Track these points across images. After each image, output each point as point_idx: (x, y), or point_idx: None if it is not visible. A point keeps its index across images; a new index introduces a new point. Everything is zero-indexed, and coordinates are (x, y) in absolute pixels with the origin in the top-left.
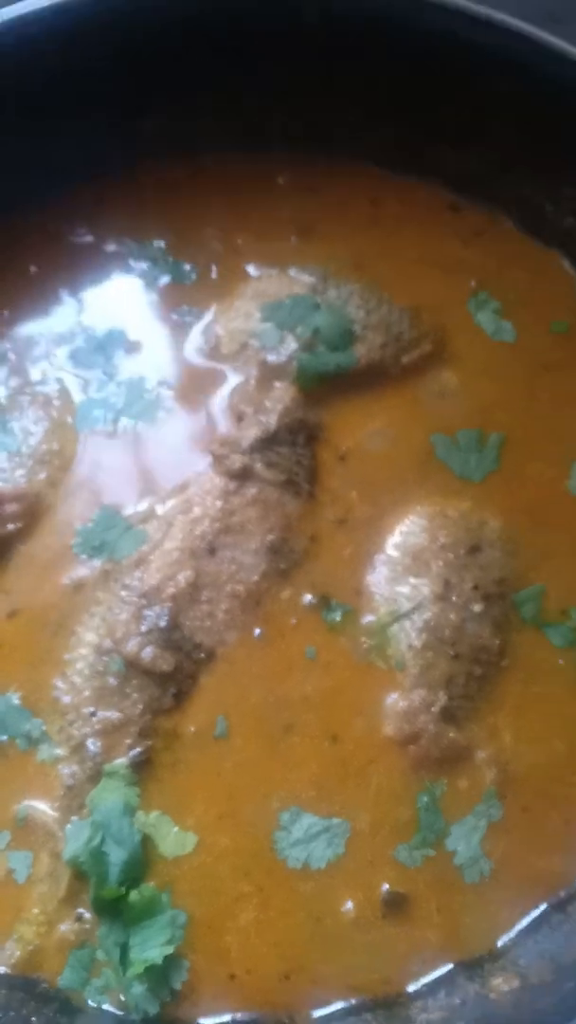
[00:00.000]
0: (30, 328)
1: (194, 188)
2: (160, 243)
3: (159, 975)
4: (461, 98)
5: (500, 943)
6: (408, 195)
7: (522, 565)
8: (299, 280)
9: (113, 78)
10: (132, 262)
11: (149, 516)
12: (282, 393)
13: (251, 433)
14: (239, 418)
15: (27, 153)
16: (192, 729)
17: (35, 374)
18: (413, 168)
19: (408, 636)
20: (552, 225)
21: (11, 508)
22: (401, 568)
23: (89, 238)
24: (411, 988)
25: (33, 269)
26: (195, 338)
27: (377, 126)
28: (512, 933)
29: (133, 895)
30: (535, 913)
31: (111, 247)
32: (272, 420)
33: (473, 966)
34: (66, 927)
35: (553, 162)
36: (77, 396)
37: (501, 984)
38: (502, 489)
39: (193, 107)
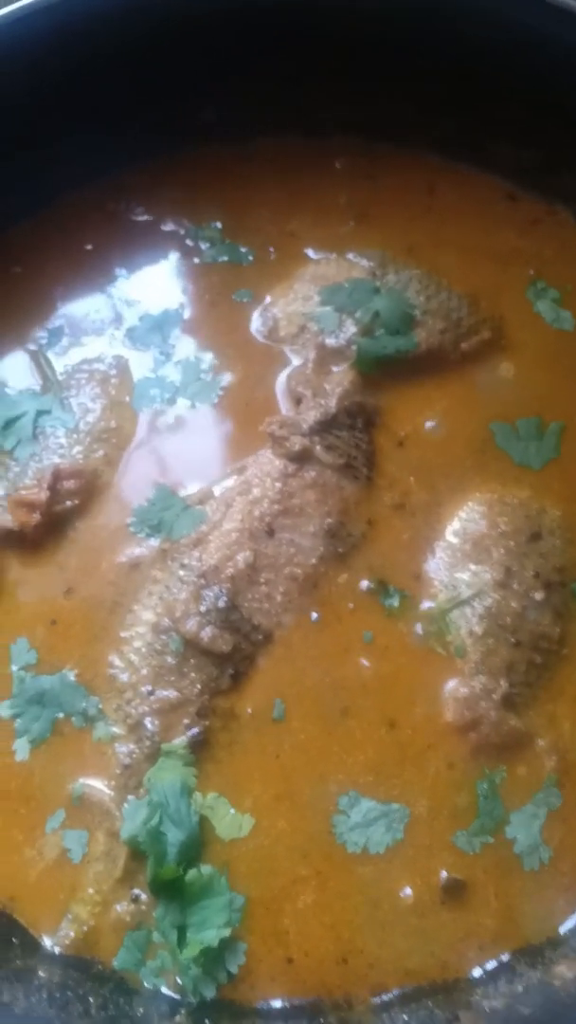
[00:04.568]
0: (86, 305)
1: (250, 171)
2: (216, 224)
3: (216, 958)
4: (524, 92)
5: (562, 930)
6: (465, 184)
7: None
8: (357, 264)
9: (173, 62)
10: (189, 242)
11: (207, 496)
12: (341, 377)
13: (311, 415)
14: (297, 401)
15: (87, 133)
16: (249, 710)
17: (92, 352)
18: (471, 158)
19: (468, 623)
20: None
21: (68, 485)
22: (460, 554)
23: (146, 217)
24: (472, 975)
25: (89, 247)
26: (253, 320)
27: (437, 117)
28: (573, 920)
29: (191, 875)
30: None
31: (168, 227)
32: (332, 403)
33: (534, 953)
34: (122, 908)
35: None
36: (135, 374)
37: (564, 971)
38: (561, 477)
39: (252, 93)
